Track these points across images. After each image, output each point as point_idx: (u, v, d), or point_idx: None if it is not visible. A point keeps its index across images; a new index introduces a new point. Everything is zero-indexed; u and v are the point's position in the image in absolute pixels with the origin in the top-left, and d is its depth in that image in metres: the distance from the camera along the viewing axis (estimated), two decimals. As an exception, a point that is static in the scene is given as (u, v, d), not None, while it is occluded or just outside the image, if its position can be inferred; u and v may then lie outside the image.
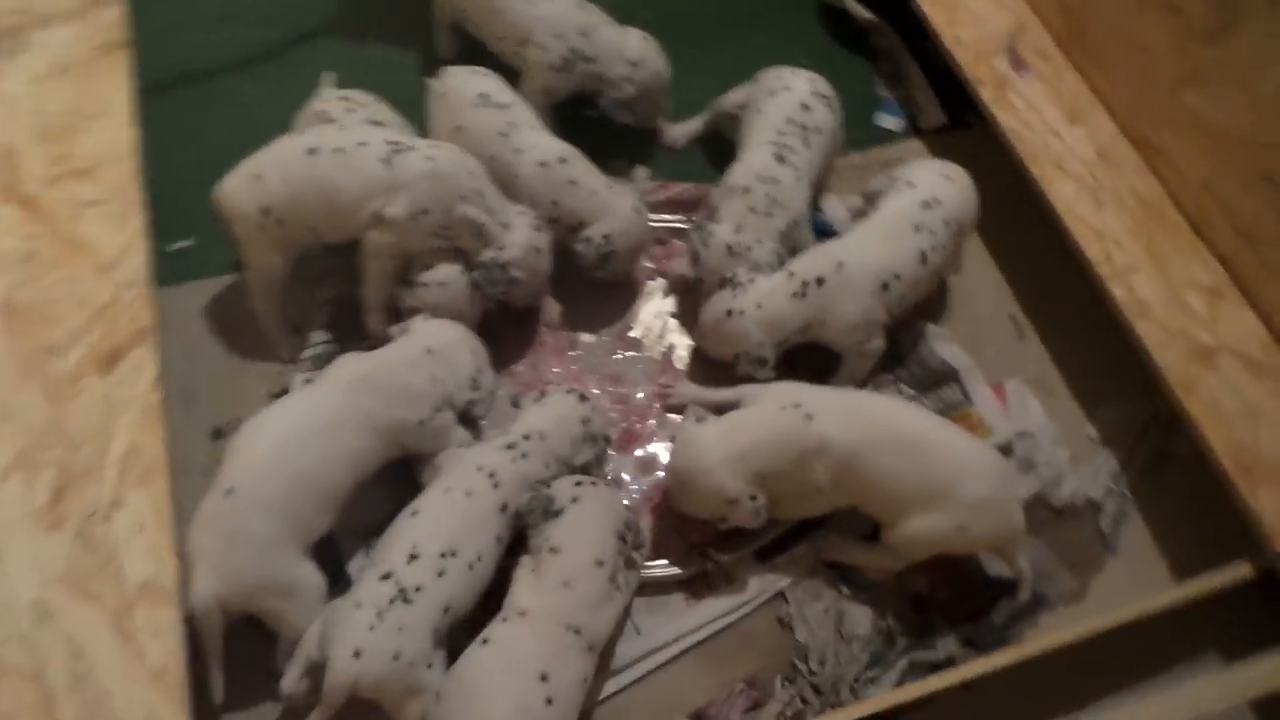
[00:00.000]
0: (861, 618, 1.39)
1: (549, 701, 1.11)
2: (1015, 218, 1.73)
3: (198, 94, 1.82)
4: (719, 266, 1.50)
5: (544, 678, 1.12)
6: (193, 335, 1.54)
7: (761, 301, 1.45)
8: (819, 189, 1.73)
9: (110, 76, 1.55)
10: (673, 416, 1.52)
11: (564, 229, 1.55)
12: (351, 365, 1.32)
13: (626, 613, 1.36)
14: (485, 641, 1.16)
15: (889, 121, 1.95)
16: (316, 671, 1.18)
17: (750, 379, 1.45)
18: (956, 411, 1.57)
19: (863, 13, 2.02)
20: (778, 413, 1.34)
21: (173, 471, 1.33)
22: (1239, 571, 1.38)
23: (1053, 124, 1.73)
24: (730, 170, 1.58)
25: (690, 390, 1.50)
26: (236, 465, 1.21)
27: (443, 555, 1.20)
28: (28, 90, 1.53)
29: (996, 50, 1.82)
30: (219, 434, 1.44)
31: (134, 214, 1.41)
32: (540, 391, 1.40)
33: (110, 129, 1.49)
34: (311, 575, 1.23)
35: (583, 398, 1.40)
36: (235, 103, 1.82)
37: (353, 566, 1.33)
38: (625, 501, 1.39)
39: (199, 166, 1.62)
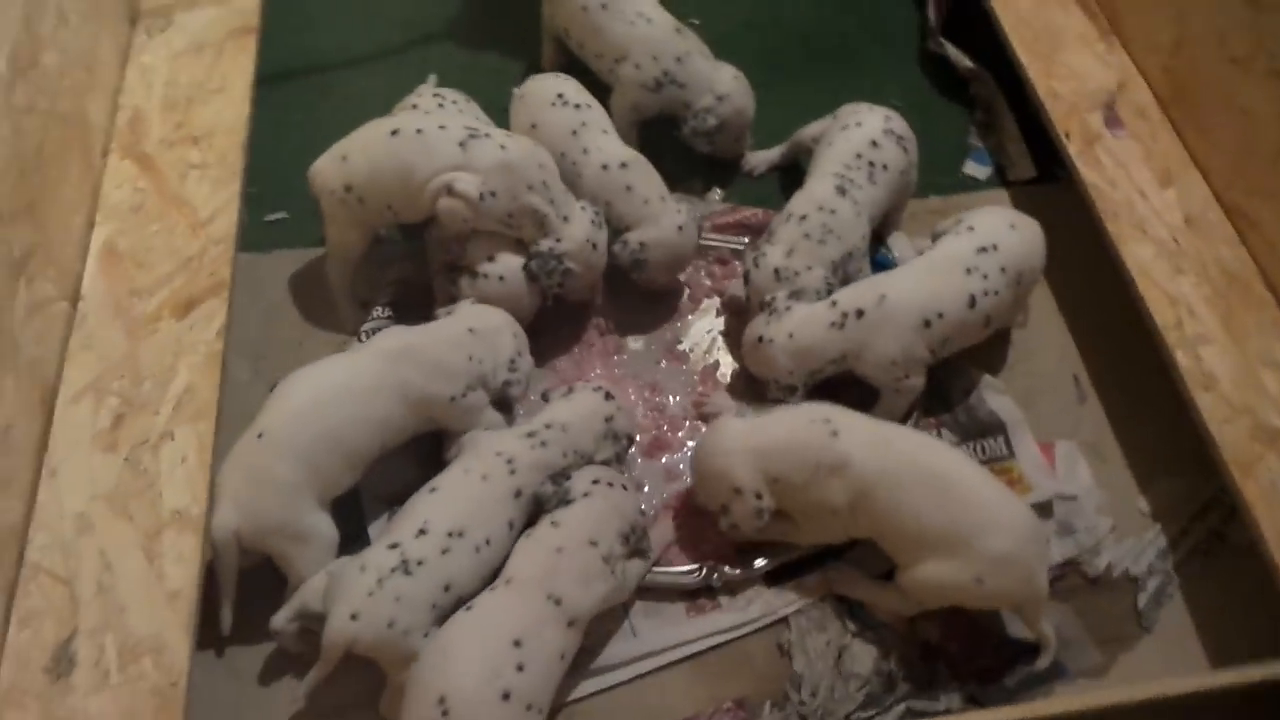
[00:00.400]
0: (864, 656, 1.37)
1: (520, 668, 1.14)
2: (1091, 277, 1.68)
3: (315, 83, 1.97)
4: (765, 288, 1.52)
5: (517, 644, 1.16)
6: (271, 299, 1.66)
7: (795, 330, 1.46)
8: (887, 227, 1.73)
9: (236, 58, 1.71)
10: (704, 426, 1.54)
11: (614, 231, 1.60)
12: (395, 336, 1.40)
13: (625, 612, 1.38)
14: (469, 608, 1.20)
15: (976, 170, 1.93)
16: (309, 618, 1.25)
17: (781, 403, 1.46)
18: (998, 465, 1.53)
19: (964, 60, 2.01)
20: (806, 423, 1.35)
21: (229, 419, 1.44)
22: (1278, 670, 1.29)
23: (1141, 184, 1.67)
24: (793, 198, 1.60)
25: (725, 402, 1.52)
26: (271, 412, 1.30)
27: (450, 534, 1.25)
28: (164, 63, 1.70)
29: (1092, 106, 1.78)
30: (277, 390, 1.54)
31: (232, 180, 1.54)
32: (568, 387, 1.44)
33: (227, 104, 1.64)
34: (326, 527, 1.30)
35: (609, 396, 1.44)
36: (348, 94, 1.96)
37: (373, 530, 1.40)
38: (643, 507, 1.42)
39: (303, 149, 1.75)
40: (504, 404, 1.47)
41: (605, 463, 1.40)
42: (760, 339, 1.47)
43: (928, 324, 1.45)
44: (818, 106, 1.81)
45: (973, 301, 1.48)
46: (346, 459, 1.32)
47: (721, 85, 1.75)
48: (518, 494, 1.32)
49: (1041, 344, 1.69)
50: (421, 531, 1.25)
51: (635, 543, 1.30)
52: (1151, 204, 1.65)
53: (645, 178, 1.61)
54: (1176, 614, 1.44)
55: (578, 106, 1.65)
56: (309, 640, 1.29)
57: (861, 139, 1.63)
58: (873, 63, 2.08)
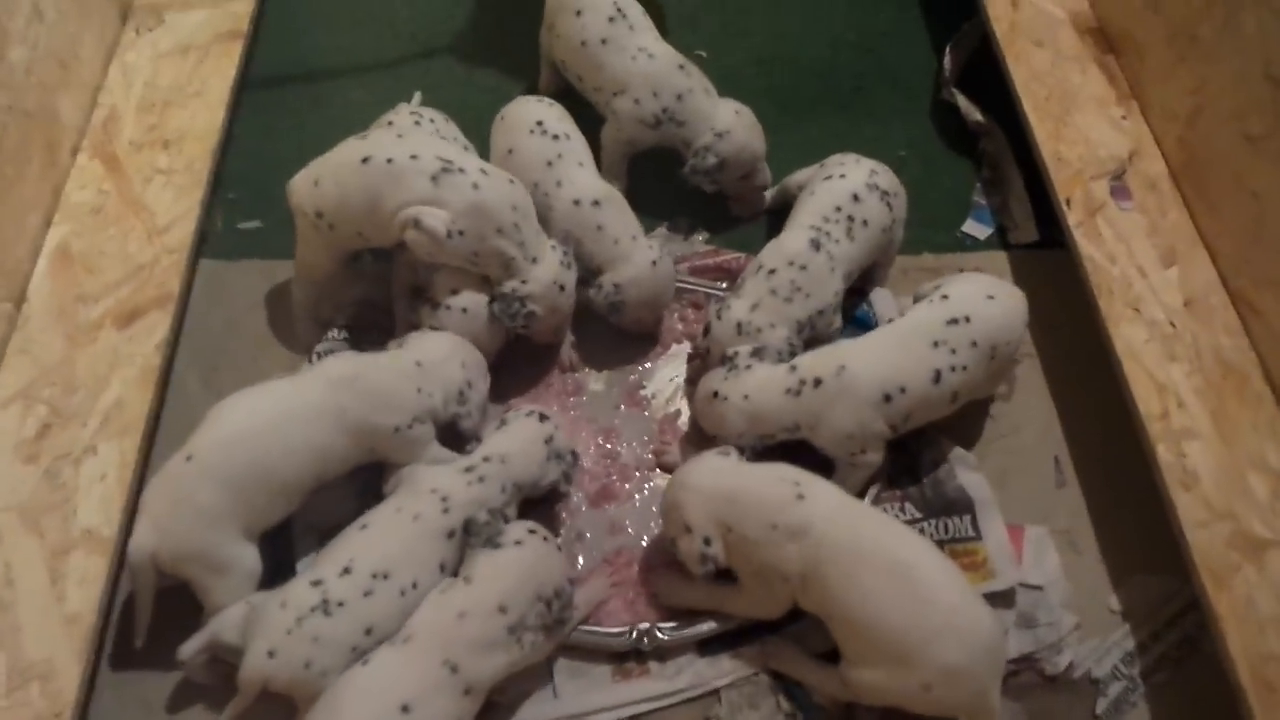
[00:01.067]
0: (794, 740, 1.30)
1: None
2: (1084, 354, 1.61)
3: (307, 92, 1.94)
4: (726, 342, 1.47)
5: (405, 709, 1.10)
6: (232, 309, 1.63)
7: (751, 393, 1.40)
8: (870, 282, 1.66)
9: (220, 62, 1.69)
10: (655, 483, 1.48)
11: (584, 270, 1.55)
12: (340, 363, 1.36)
13: (549, 671, 1.32)
14: (365, 662, 1.15)
15: (976, 229, 1.85)
16: (221, 649, 1.20)
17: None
18: (962, 545, 1.46)
19: (974, 113, 1.94)
20: (774, 480, 1.29)
21: (170, 432, 1.42)
22: (1234, 799, 1.20)
23: (1141, 261, 1.59)
24: (766, 248, 1.54)
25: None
26: (203, 435, 1.25)
27: (374, 575, 1.21)
28: (148, 62, 1.68)
29: (1099, 173, 1.70)
30: (225, 405, 1.51)
31: (197, 188, 1.52)
32: (501, 419, 1.40)
33: (202, 109, 1.61)
34: (247, 558, 1.26)
35: (543, 417, 1.39)
36: (339, 105, 1.93)
37: (302, 563, 1.36)
38: (578, 565, 1.36)
39: (287, 159, 1.72)
40: (457, 434, 1.42)
41: (553, 484, 1.37)
42: (715, 394, 1.41)
43: (888, 398, 1.39)
44: (823, 149, 1.74)
45: (938, 377, 1.40)
46: (279, 489, 1.28)
47: (721, 122, 1.69)
48: (451, 534, 1.27)
49: (1025, 420, 1.61)
50: (346, 570, 1.20)
51: (556, 612, 1.24)
52: (1150, 282, 1.57)
53: (617, 216, 1.56)
54: (1138, 724, 1.36)
55: (556, 137, 1.60)
56: (218, 671, 1.25)
57: (843, 191, 1.56)
58: (883, 108, 2.02)
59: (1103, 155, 1.73)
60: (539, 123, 1.61)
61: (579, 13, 1.68)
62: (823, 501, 1.27)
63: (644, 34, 1.70)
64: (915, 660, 1.18)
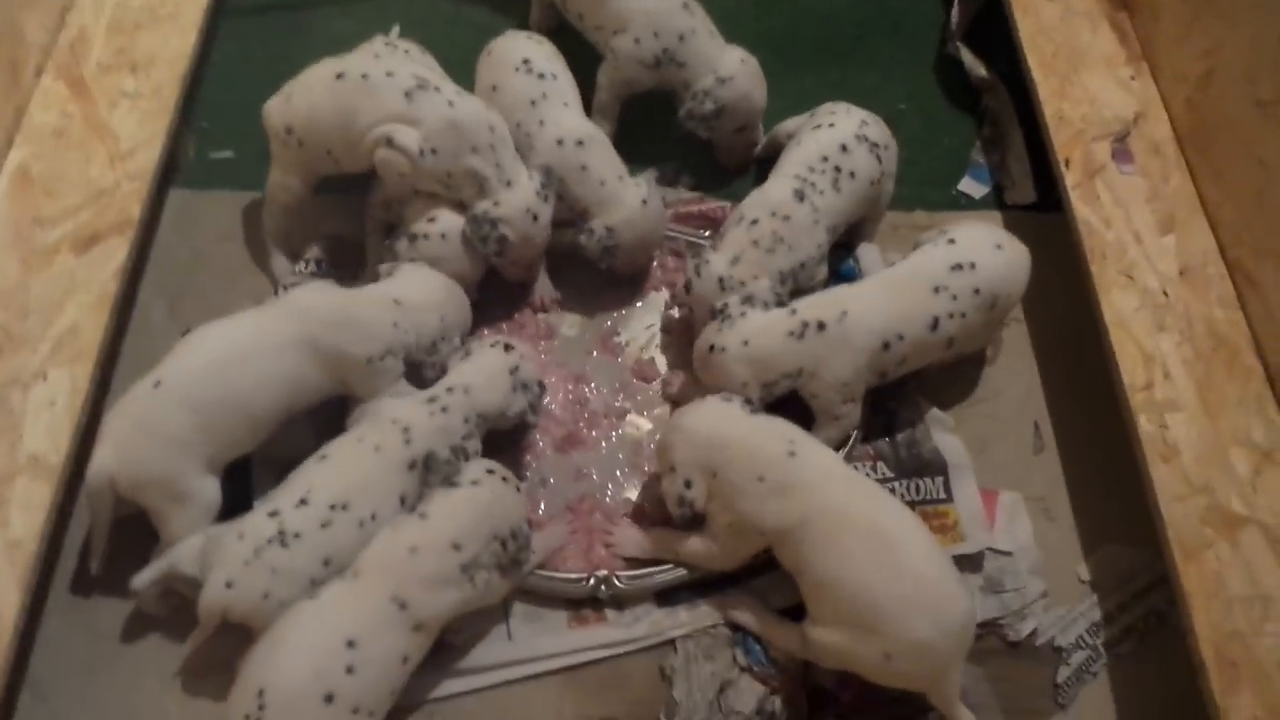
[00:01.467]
0: (748, 694, 1.29)
1: (349, 670, 1.08)
2: (1073, 320, 1.56)
3: (287, 20, 1.89)
4: (709, 297, 1.42)
5: (351, 644, 1.09)
6: (200, 240, 1.59)
7: (751, 338, 1.36)
8: (857, 237, 1.62)
9: (195, -16, 1.63)
10: (624, 432, 1.46)
11: (570, 213, 1.50)
12: (313, 293, 1.32)
13: (504, 614, 1.31)
14: (314, 596, 1.14)
15: (973, 188, 1.80)
16: (176, 580, 1.19)
17: None
18: (932, 508, 1.43)
19: (978, 68, 1.87)
20: (767, 434, 1.26)
21: (130, 360, 1.39)
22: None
23: (1138, 227, 1.54)
24: (749, 197, 1.49)
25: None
26: (173, 362, 1.23)
27: (332, 507, 1.19)
28: (121, -18, 1.62)
29: (1101, 134, 1.64)
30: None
31: (164, 114, 1.48)
32: (465, 350, 1.37)
33: (174, 33, 1.57)
34: (208, 490, 1.24)
35: (509, 347, 1.36)
36: (323, 34, 1.87)
37: (259, 499, 1.34)
38: (539, 508, 1.34)
39: (266, 88, 1.67)
40: (418, 380, 1.39)
41: (519, 415, 1.35)
42: (712, 348, 1.37)
43: (886, 346, 1.35)
44: (819, 99, 1.68)
45: (935, 324, 1.37)
46: (248, 420, 1.25)
47: (726, 67, 1.62)
48: (412, 465, 1.24)
49: (1008, 384, 1.57)
50: (303, 501, 1.19)
51: (512, 552, 1.22)
52: (1145, 249, 1.52)
53: (602, 157, 1.51)
54: (1098, 695, 1.34)
55: (541, 76, 1.55)
56: (169, 603, 1.24)
57: (830, 141, 1.51)
58: (885, 59, 1.95)
59: (1107, 116, 1.66)
60: (525, 60, 1.55)
61: None
62: (814, 462, 1.24)
63: None
64: (882, 628, 1.16)
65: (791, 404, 1.39)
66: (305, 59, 1.74)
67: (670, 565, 1.33)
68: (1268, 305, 1.43)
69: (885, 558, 1.17)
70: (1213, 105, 1.57)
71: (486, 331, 1.52)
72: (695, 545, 1.30)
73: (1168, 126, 1.66)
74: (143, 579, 1.21)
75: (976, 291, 1.39)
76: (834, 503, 1.21)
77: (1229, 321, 1.46)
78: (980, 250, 1.42)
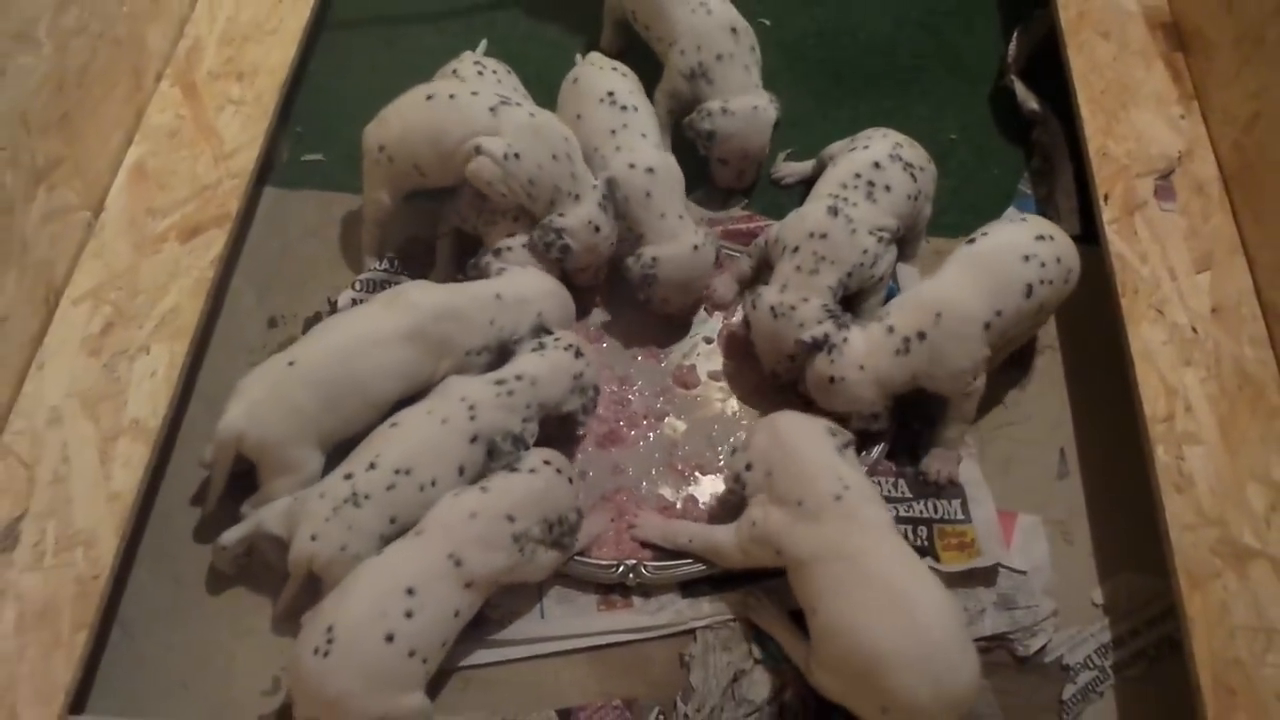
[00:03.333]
0: (762, 685, 1.37)
1: (408, 614, 1.21)
2: (1105, 352, 1.59)
3: (381, 35, 2.05)
4: (766, 329, 1.52)
5: (410, 591, 1.22)
6: (289, 234, 1.75)
7: (864, 363, 1.45)
8: (903, 254, 1.68)
9: (296, 3, 1.79)
10: (661, 433, 1.56)
11: (628, 235, 1.60)
12: (422, 290, 1.47)
13: (539, 595, 1.42)
14: (382, 551, 1.27)
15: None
16: (262, 540, 1.34)
17: (865, 431, 1.50)
18: (951, 526, 1.49)
19: (1030, 101, 1.92)
20: (830, 471, 1.33)
21: (222, 338, 1.55)
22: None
23: (1174, 263, 1.58)
24: (786, 221, 1.58)
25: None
26: (307, 345, 1.40)
27: (397, 471, 1.32)
28: (232, -1, 1.80)
29: (1145, 171, 1.68)
30: (273, 322, 1.64)
31: (264, 119, 1.63)
32: (539, 342, 1.48)
33: (277, 45, 1.73)
34: (313, 462, 1.38)
35: (579, 353, 1.48)
36: (410, 49, 2.02)
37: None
38: (579, 501, 1.45)
39: (355, 97, 1.84)
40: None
41: (572, 412, 1.46)
42: (831, 379, 1.46)
43: (988, 326, 1.44)
44: (871, 125, 1.76)
45: (1030, 290, 1.45)
46: (363, 403, 1.39)
47: (736, 103, 1.71)
48: (474, 439, 1.37)
49: (1037, 410, 1.63)
50: (371, 465, 1.33)
51: (557, 535, 1.34)
52: (1179, 286, 1.56)
53: (668, 190, 1.60)
54: (1103, 713, 1.38)
55: (624, 108, 1.65)
56: (239, 563, 1.39)
57: (864, 160, 1.60)
58: (939, 90, 2.02)
59: (1153, 153, 1.71)
60: (610, 93, 1.66)
61: None
62: (855, 509, 1.29)
63: None
64: (883, 685, 1.19)
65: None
66: (395, 71, 1.90)
67: (694, 559, 1.42)
68: (1298, 347, 1.46)
69: (897, 619, 1.19)
70: (1258, 148, 1.60)
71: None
72: (711, 538, 1.39)
73: (1214, 166, 1.69)
74: (231, 536, 1.35)
75: (1059, 260, 1.48)
76: (860, 552, 1.25)
77: (1258, 361, 1.49)
78: (1051, 228, 1.52)
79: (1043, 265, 1.46)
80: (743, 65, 1.73)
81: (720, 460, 1.52)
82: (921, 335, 1.43)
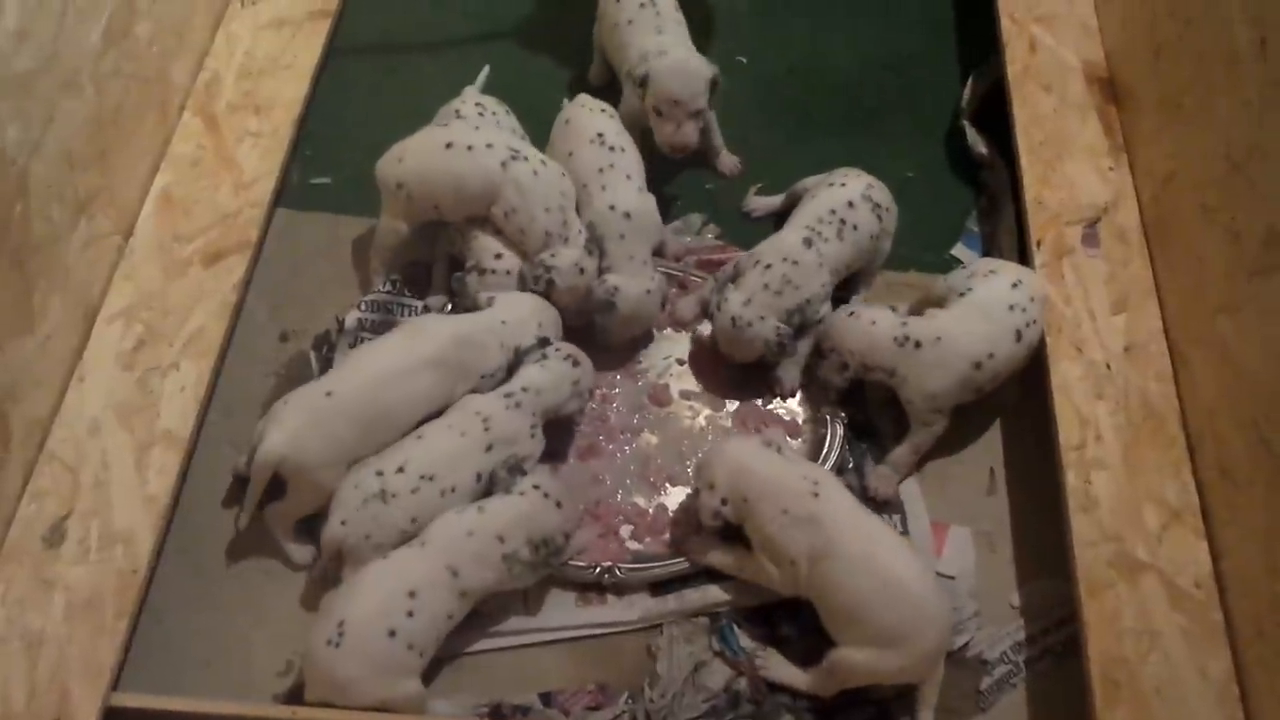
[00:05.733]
0: (718, 674, 1.55)
1: (409, 614, 1.39)
2: (1032, 385, 1.77)
3: (383, 63, 2.19)
4: (725, 335, 1.72)
5: (412, 594, 1.40)
6: (298, 253, 1.89)
7: (877, 320, 1.67)
8: (854, 288, 1.87)
9: (310, 38, 1.94)
10: (636, 446, 1.74)
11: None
12: (439, 321, 1.64)
13: (524, 594, 1.60)
14: (387, 556, 1.45)
15: (965, 254, 2.02)
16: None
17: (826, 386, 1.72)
18: (891, 538, 1.68)
19: (979, 145, 2.10)
20: (796, 475, 1.51)
21: (238, 351, 1.71)
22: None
23: (1093, 306, 1.77)
24: (766, 242, 1.77)
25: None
26: (344, 376, 1.54)
27: (422, 477, 1.50)
28: (249, 34, 1.94)
29: (1075, 219, 1.87)
30: (284, 337, 1.80)
31: (280, 150, 1.79)
32: (543, 354, 1.65)
33: (292, 80, 1.87)
34: (339, 480, 1.52)
35: (576, 362, 1.66)
36: (411, 77, 2.17)
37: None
38: (561, 508, 1.62)
39: (361, 123, 1.99)
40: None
41: (570, 415, 1.65)
42: (851, 312, 1.70)
43: (978, 365, 1.63)
44: (836, 161, 1.94)
45: (1019, 335, 1.66)
46: (393, 428, 1.55)
47: (673, 53, 1.84)
48: (489, 448, 1.55)
49: (971, 433, 1.80)
50: (401, 469, 1.50)
51: (543, 556, 1.50)
52: (1097, 326, 1.75)
53: (639, 235, 1.76)
54: (1015, 703, 1.57)
55: (612, 149, 1.82)
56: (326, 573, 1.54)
57: (840, 198, 1.79)
58: (900, 130, 2.18)
59: (1083, 202, 1.89)
60: (600, 134, 1.83)
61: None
62: (835, 503, 1.49)
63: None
64: (898, 650, 1.41)
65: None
66: (396, 97, 2.05)
67: (662, 562, 1.61)
68: (1195, 384, 1.66)
69: (895, 594, 1.42)
70: (1170, 203, 1.80)
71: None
72: (754, 561, 1.54)
73: (1136, 215, 1.89)
74: (303, 556, 1.56)
75: (1032, 300, 1.68)
76: (847, 540, 1.45)
77: (1161, 395, 1.69)
78: (1020, 273, 1.73)
79: (1024, 310, 1.67)
80: (682, 40, 1.90)
81: (689, 471, 1.69)
82: (918, 344, 1.63)
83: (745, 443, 1.57)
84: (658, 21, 1.93)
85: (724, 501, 1.51)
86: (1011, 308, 1.66)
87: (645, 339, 1.84)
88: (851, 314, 1.69)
